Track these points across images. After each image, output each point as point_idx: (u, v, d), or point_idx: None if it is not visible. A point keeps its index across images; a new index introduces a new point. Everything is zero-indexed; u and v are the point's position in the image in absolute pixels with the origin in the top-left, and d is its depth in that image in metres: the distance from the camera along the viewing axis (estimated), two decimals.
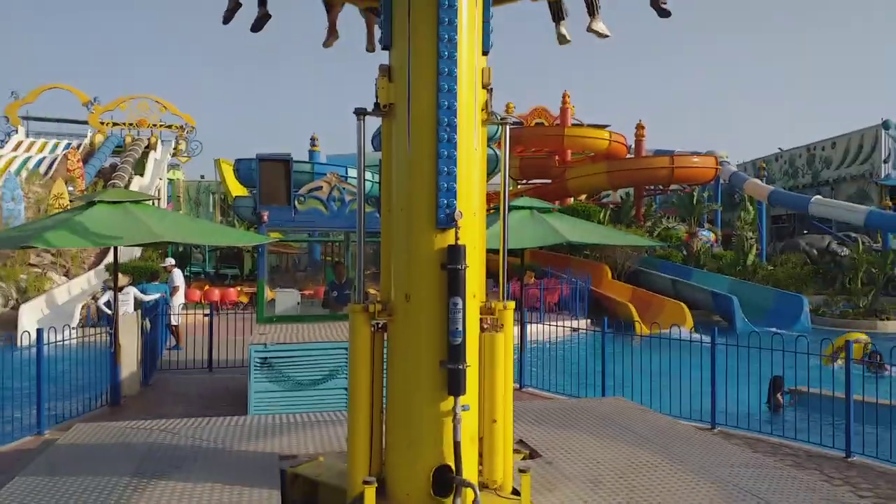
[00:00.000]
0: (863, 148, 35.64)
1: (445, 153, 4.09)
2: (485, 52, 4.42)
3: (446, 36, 4.09)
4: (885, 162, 34.22)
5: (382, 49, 4.40)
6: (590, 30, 4.94)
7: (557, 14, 5.10)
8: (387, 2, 4.26)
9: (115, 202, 8.12)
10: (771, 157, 43.30)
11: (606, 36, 5.01)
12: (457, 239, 4.06)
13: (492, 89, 4.47)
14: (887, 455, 6.75)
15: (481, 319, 4.43)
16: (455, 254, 4.03)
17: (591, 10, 4.96)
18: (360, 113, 4.36)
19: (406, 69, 4.19)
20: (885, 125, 34.36)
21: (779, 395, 9.47)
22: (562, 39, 5.12)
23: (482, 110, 4.41)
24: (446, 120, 4.10)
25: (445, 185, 4.06)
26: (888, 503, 5.67)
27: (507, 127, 4.78)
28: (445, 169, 4.07)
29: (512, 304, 4.64)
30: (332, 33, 5.46)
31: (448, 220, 4.05)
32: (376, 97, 4.34)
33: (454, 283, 4.02)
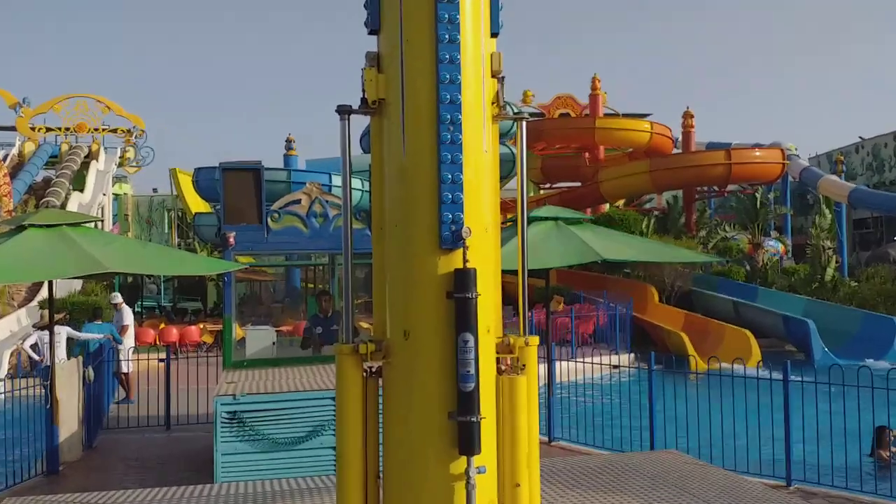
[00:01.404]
0: None
1: (449, 157, 4.10)
2: (494, 34, 4.46)
3: (446, 15, 4.12)
4: None
5: (369, 34, 4.43)
6: None
7: None
8: None
9: (49, 226, 8.18)
10: (850, 149, 43.29)
11: None
12: (465, 261, 4.06)
13: (503, 78, 4.50)
14: None
15: (498, 359, 4.42)
16: (464, 279, 4.03)
17: None
18: (345, 111, 4.40)
19: (399, 57, 4.22)
20: None
21: (882, 450, 9.35)
22: None
23: (492, 104, 4.43)
24: (449, 117, 4.12)
25: (450, 196, 4.07)
26: None
27: (524, 122, 4.81)
28: (450, 176, 4.09)
29: (535, 339, 4.63)
30: None
31: (454, 239, 4.05)
32: (363, 91, 4.37)
33: (463, 316, 4.02)
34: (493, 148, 4.44)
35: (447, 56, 4.12)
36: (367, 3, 4.38)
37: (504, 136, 20.88)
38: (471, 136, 4.19)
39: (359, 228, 7.97)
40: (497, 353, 4.43)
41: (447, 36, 4.12)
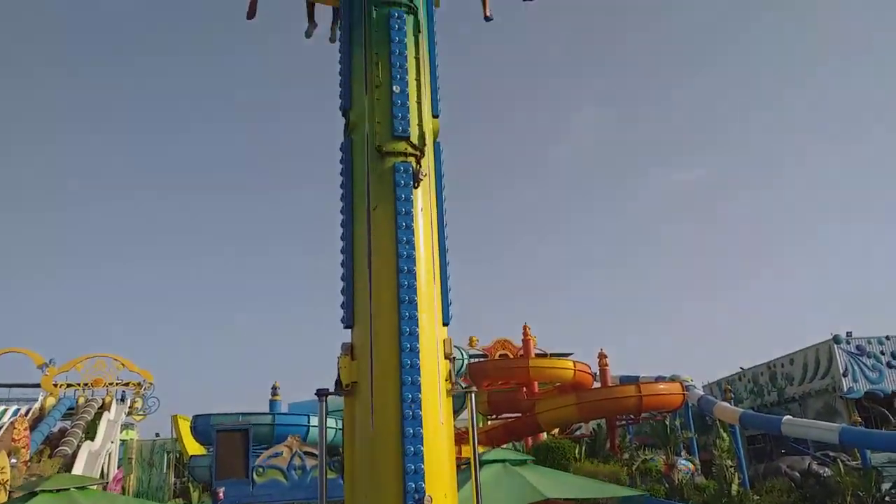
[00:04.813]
0: (820, 362, 36.51)
1: (411, 431, 3.99)
2: (445, 323, 4.54)
3: (407, 314, 4.21)
4: (845, 376, 34.90)
5: (345, 328, 4.47)
6: None
7: None
8: (349, 284, 4.43)
9: (58, 490, 7.53)
10: (734, 377, 43.90)
11: None
12: None
13: (454, 358, 4.52)
14: None
15: None
16: None
17: None
18: (322, 394, 4.32)
19: (368, 347, 4.24)
20: (836, 339, 35.59)
21: None
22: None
23: (446, 380, 4.41)
24: (410, 396, 4.07)
25: (412, 467, 3.91)
26: None
27: (473, 394, 4.76)
28: (412, 449, 3.95)
29: None
30: (311, 22, 6.30)
31: None
32: (338, 375, 4.33)
33: None
34: (448, 419, 4.35)
35: (408, 346, 4.15)
36: (344, 304, 4.46)
37: (458, 374, 20.71)
38: (429, 411, 4.11)
39: (332, 478, 7.52)
40: None
41: (408, 329, 4.17)
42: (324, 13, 6.57)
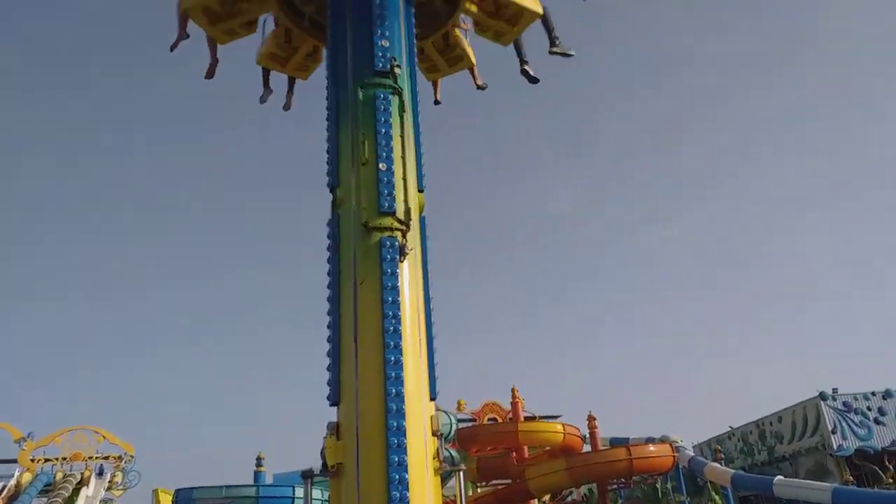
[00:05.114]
0: (808, 420, 36.24)
1: None
2: (432, 398, 4.49)
3: (393, 390, 4.17)
4: (833, 433, 34.61)
5: (331, 406, 4.41)
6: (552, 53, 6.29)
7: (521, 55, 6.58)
8: (335, 360, 4.39)
9: None
10: (724, 436, 43.43)
11: (570, 55, 6.48)
12: None
13: (442, 435, 4.45)
14: None
15: None
16: None
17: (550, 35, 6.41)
18: (308, 476, 4.23)
19: (354, 426, 4.17)
20: (822, 396, 35.45)
21: None
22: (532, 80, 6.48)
23: (434, 458, 4.33)
24: (397, 477, 3.98)
25: None
26: None
27: (462, 472, 4.66)
28: None
29: None
30: (267, 88, 6.79)
31: None
32: (322, 457, 4.24)
33: None
34: (436, 500, 4.24)
35: (395, 424, 4.09)
36: (330, 381, 4.40)
37: (446, 440, 20.27)
38: (416, 492, 4.01)
39: None
40: None
41: (395, 407, 4.11)
42: (279, 82, 6.79)
